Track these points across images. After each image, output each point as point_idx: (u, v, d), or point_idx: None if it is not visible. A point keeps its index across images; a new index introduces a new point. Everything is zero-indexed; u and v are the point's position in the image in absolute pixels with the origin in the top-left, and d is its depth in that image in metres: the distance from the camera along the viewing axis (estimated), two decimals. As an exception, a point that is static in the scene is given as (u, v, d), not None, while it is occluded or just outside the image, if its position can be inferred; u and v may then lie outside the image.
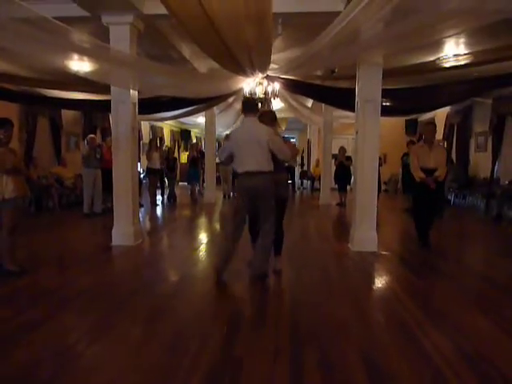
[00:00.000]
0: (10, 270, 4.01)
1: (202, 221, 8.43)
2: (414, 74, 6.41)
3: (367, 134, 5.07)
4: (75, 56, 4.63)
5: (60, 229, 7.13)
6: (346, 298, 3.54)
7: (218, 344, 2.63)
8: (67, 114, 10.83)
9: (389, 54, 4.67)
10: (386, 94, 5.26)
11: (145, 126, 14.52)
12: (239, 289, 3.85)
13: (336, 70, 7.26)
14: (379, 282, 4.12)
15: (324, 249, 5.47)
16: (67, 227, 7.31)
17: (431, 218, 5.43)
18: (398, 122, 13.44)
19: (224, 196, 11.79)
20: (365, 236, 5.18)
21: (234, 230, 4.00)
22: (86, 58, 4.67)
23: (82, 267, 4.49)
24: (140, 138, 13.83)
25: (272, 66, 6.86)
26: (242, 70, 5.85)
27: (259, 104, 4.17)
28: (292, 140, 5.00)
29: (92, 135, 8.82)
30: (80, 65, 4.86)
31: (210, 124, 11.24)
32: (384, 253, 5.17)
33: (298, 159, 16.32)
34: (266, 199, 3.89)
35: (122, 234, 5.39)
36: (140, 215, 8.56)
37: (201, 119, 12.93)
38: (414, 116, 13.12)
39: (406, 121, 13.88)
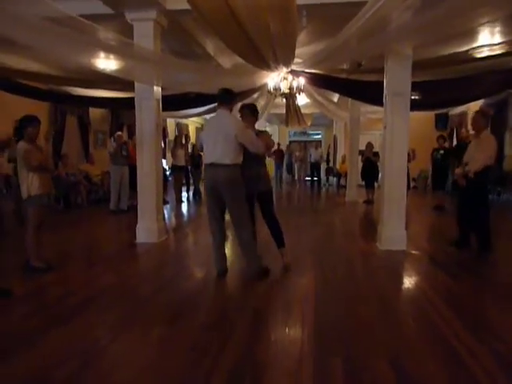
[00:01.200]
0: (36, 267, 4.06)
1: (227, 217, 8.37)
2: (445, 66, 6.12)
3: (396, 129, 4.87)
4: (101, 53, 4.65)
5: (87, 225, 7.26)
6: (374, 298, 3.40)
7: (240, 345, 2.55)
8: (95, 112, 11.03)
9: (418, 44, 4.44)
10: (415, 86, 5.03)
11: (170, 124, 14.64)
12: (263, 287, 3.76)
13: (363, 63, 7.04)
14: (409, 283, 3.95)
15: (350, 247, 5.31)
16: (94, 224, 7.42)
17: (471, 218, 4.83)
18: (427, 116, 12.99)
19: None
20: (393, 234, 4.99)
21: (210, 225, 4.01)
22: (111, 55, 4.69)
23: (107, 264, 4.53)
24: (165, 135, 13.97)
25: (296, 60, 6.72)
26: (266, 65, 5.74)
27: (234, 95, 4.06)
28: (266, 130, 4.84)
29: (119, 132, 8.95)
30: (106, 62, 4.88)
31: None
32: (414, 252, 4.97)
33: (324, 155, 16.11)
34: (228, 192, 3.80)
35: (146, 231, 5.40)
36: (165, 212, 8.69)
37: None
38: (444, 110, 12.66)
39: (436, 115, 13.41)
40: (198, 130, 17.20)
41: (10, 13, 3.77)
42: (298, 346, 2.52)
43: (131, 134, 10.47)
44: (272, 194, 4.38)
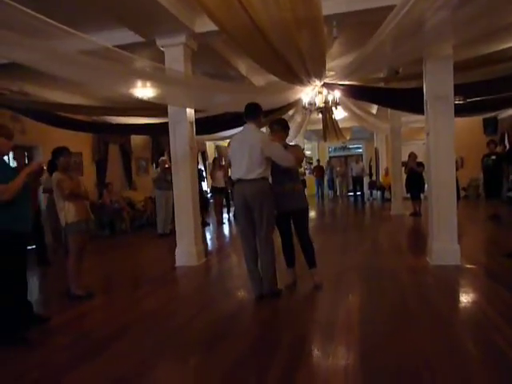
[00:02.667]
0: (77, 295, 4.09)
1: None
2: (489, 65, 5.71)
3: (440, 135, 4.54)
4: (135, 80, 4.76)
5: (129, 251, 7.38)
6: (426, 319, 3.07)
7: (277, 376, 2.33)
8: (136, 140, 11.40)
9: (458, 43, 4.15)
10: (458, 89, 4.70)
11: (210, 146, 14.86)
12: (303, 309, 3.55)
13: (400, 70, 6.77)
14: (465, 301, 3.56)
15: (398, 263, 4.94)
16: (136, 249, 7.53)
17: None
18: (474, 122, 12.30)
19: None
20: (445, 248, 4.60)
21: (243, 246, 3.88)
22: (145, 81, 4.79)
23: (146, 290, 4.50)
24: (206, 158, 14.18)
25: (330, 73, 6.58)
26: (298, 79, 5.63)
27: (261, 110, 3.93)
28: (297, 144, 4.72)
29: (163, 157, 9.16)
30: (141, 89, 5.00)
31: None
32: (469, 266, 4.55)
33: (366, 169, 15.66)
34: (257, 207, 3.65)
35: (185, 255, 5.35)
36: (207, 234, 8.69)
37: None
38: (492, 114, 11.93)
39: (483, 120, 12.68)
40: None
41: (46, 48, 3.96)
42: (342, 376, 2.28)
43: (173, 159, 10.66)
44: (307, 212, 4.21)
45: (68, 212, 4.05)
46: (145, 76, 4.77)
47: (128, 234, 9.20)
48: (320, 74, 5.68)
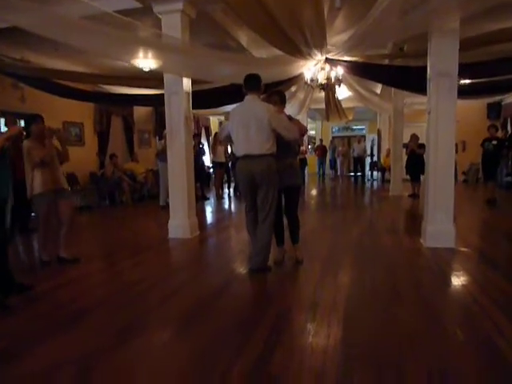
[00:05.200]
0: (44, 261, 4.18)
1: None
2: (496, 44, 5.50)
3: (441, 114, 4.41)
4: (135, 47, 4.64)
5: (125, 222, 7.37)
6: (416, 303, 3.01)
7: (253, 356, 2.25)
8: (139, 112, 11.29)
9: (465, 16, 3.97)
10: (463, 69, 4.53)
11: (214, 122, 14.70)
12: (291, 287, 3.51)
13: (405, 47, 6.57)
14: (457, 285, 3.48)
15: (392, 244, 4.91)
16: (133, 220, 7.51)
17: None
18: (478, 106, 12.07)
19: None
20: (440, 229, 4.55)
21: (247, 221, 3.83)
22: (144, 49, 4.66)
23: (134, 260, 4.46)
24: (209, 133, 14.05)
25: (332, 48, 6.39)
26: (298, 51, 5.44)
27: (261, 81, 3.72)
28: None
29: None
30: (140, 58, 4.88)
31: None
32: (463, 249, 4.51)
33: (368, 149, 15.52)
34: (265, 186, 3.54)
35: (178, 227, 5.33)
36: (206, 208, 8.67)
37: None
38: (497, 98, 11.69)
39: (487, 104, 12.42)
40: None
41: (46, 12, 3.84)
42: (321, 357, 2.23)
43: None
44: (301, 189, 4.14)
45: (34, 182, 4.01)
46: (142, 42, 4.65)
47: (128, 206, 9.20)
48: (321, 46, 5.48)
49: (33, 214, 5.80)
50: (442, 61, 4.33)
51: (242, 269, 3.96)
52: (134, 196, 9.94)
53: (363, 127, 19.35)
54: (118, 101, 8.84)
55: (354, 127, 19.62)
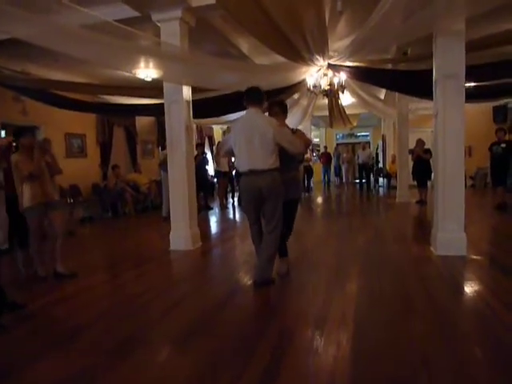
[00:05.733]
0: (40, 276, 4.09)
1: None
2: (503, 45, 5.35)
3: (449, 116, 4.26)
4: (135, 56, 4.56)
5: (126, 234, 7.26)
6: (429, 315, 2.84)
7: (255, 377, 2.11)
8: (141, 123, 11.25)
9: (471, 16, 3.85)
10: (467, 72, 4.38)
11: (217, 131, 14.65)
12: (296, 301, 3.33)
13: (409, 51, 6.45)
14: (471, 295, 3.30)
15: (401, 252, 4.75)
16: (135, 232, 7.41)
17: None
18: (483, 109, 11.87)
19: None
20: (450, 237, 4.37)
21: (252, 233, 3.73)
22: (144, 58, 4.58)
23: (133, 273, 4.34)
24: (213, 143, 13.99)
25: (334, 53, 6.29)
26: (300, 57, 5.34)
27: (263, 93, 3.63)
28: (298, 128, 4.45)
29: None
30: (140, 67, 4.81)
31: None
32: (475, 257, 4.33)
33: (373, 156, 15.36)
34: (273, 198, 3.44)
35: (179, 239, 5.20)
36: (209, 218, 8.55)
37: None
38: (502, 102, 11.51)
39: (493, 108, 12.23)
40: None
41: (45, 22, 3.76)
42: (327, 378, 2.07)
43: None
44: (298, 203, 4.02)
45: (24, 196, 3.95)
46: (143, 51, 4.57)
47: (131, 217, 9.10)
48: (323, 51, 5.38)
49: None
50: (449, 62, 4.20)
51: (245, 280, 3.81)
52: (137, 207, 9.85)
53: (368, 133, 19.22)
54: (118, 111, 8.78)
55: (358, 134, 19.49)
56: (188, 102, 5.20)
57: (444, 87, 4.25)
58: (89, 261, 5.06)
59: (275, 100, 3.93)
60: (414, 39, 4.94)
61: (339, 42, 6.67)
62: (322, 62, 6.27)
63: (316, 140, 19.57)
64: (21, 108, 7.81)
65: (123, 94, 8.03)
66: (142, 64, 4.77)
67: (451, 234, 4.37)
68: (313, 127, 17.09)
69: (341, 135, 19.78)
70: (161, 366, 2.31)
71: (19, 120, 7.75)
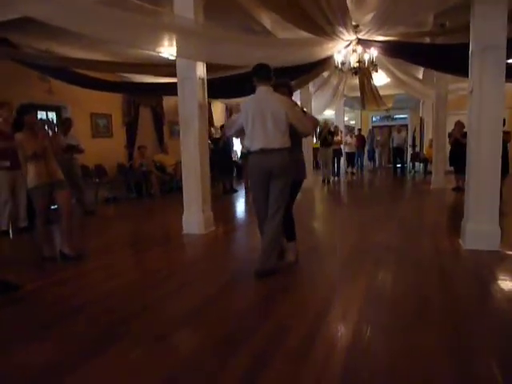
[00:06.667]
0: (46, 256, 4.02)
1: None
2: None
3: (486, 94, 3.76)
4: (151, 32, 4.35)
5: (146, 215, 7.22)
6: (444, 322, 2.47)
7: (238, 374, 1.92)
8: (169, 103, 11.12)
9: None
10: (509, 45, 3.83)
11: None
12: (298, 295, 3.06)
13: (447, 23, 5.85)
14: (502, 297, 2.85)
15: (424, 244, 4.35)
16: (154, 213, 7.36)
17: None
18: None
19: (323, 181, 11.00)
20: (482, 230, 3.93)
21: (258, 218, 3.53)
22: (159, 33, 4.36)
23: (138, 257, 4.24)
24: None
25: (363, 28, 5.80)
26: (321, 29, 4.91)
27: (271, 70, 3.43)
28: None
29: None
30: (169, 47, 4.60)
31: (304, 104, 10.41)
32: (510, 253, 3.88)
33: (409, 139, 14.60)
34: (280, 181, 3.30)
35: (191, 222, 5.03)
36: (232, 201, 8.38)
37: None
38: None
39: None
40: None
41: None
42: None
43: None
44: (301, 185, 3.77)
45: (28, 176, 3.88)
46: (161, 27, 4.33)
47: (156, 198, 9.04)
48: (344, 22, 4.90)
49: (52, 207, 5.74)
50: (487, 32, 3.68)
51: (247, 271, 3.54)
52: (162, 188, 9.80)
53: (406, 116, 18.25)
54: (143, 90, 8.64)
55: (396, 116, 18.56)
56: (202, 79, 4.95)
57: (481, 60, 3.73)
58: (101, 242, 4.99)
59: (281, 80, 3.67)
60: (449, 7, 4.40)
61: (369, 15, 6.14)
62: (348, 36, 5.79)
63: (352, 122, 18.87)
64: (47, 88, 7.84)
65: (147, 73, 7.87)
66: (166, 42, 4.56)
67: (483, 226, 3.93)
68: (347, 108, 16.41)
69: (377, 117, 18.91)
70: (135, 360, 2.13)
71: (45, 99, 7.81)
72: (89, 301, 2.99)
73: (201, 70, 4.92)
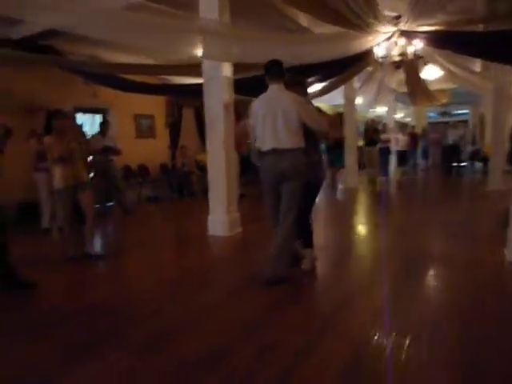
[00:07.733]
0: (70, 257, 4.10)
1: (334, 209, 7.38)
2: None
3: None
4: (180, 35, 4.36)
5: (180, 215, 7.30)
6: (480, 344, 2.17)
7: None
8: (211, 104, 11.21)
9: None
10: None
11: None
12: (305, 308, 2.85)
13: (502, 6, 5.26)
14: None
15: (462, 253, 3.93)
16: (189, 214, 7.39)
17: None
18: None
19: (369, 181, 10.48)
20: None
21: (273, 223, 3.40)
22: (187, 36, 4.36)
23: (161, 258, 4.22)
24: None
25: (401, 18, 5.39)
26: (355, 25, 4.61)
27: (284, 68, 3.28)
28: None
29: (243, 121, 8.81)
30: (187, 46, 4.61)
31: (349, 101, 9.97)
32: None
33: (467, 136, 13.53)
34: (292, 182, 3.11)
35: (216, 224, 4.97)
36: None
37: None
38: None
39: None
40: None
41: (82, 8, 3.65)
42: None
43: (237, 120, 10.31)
44: (320, 188, 3.58)
45: (55, 178, 4.02)
46: (181, 29, 4.32)
47: (196, 198, 9.11)
48: (375, 16, 4.56)
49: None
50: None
51: (260, 277, 3.36)
52: (204, 187, 9.85)
53: (467, 111, 17.01)
54: (183, 92, 8.76)
55: (455, 112, 17.36)
56: (228, 78, 4.86)
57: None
58: (128, 240, 5.08)
59: (294, 78, 3.48)
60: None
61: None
62: (386, 29, 5.41)
63: (408, 119, 17.94)
64: (92, 91, 8.16)
65: (186, 74, 7.94)
66: (194, 44, 4.54)
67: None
68: (399, 105, 15.62)
69: (434, 114, 17.81)
70: (126, 370, 2.06)
71: (90, 103, 8.15)
72: (89, 302, 3.01)
73: (227, 69, 4.84)
